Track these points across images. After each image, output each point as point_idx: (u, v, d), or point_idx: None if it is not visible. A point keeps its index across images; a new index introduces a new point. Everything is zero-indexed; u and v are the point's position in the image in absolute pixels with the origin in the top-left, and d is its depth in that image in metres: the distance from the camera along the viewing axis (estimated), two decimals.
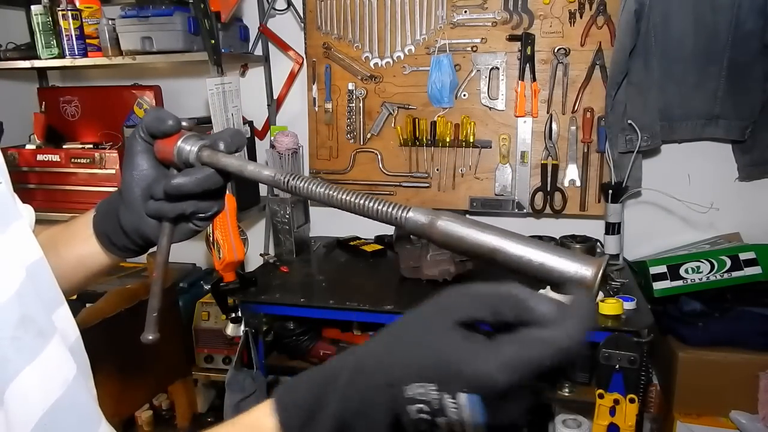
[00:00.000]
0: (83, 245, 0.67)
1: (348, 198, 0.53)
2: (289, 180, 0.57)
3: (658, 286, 1.78)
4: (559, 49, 1.98)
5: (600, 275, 0.42)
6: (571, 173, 2.05)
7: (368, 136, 2.21)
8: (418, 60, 2.11)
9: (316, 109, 2.25)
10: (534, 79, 2.01)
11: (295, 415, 0.42)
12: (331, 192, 0.54)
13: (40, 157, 2.24)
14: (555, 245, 0.47)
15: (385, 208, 0.52)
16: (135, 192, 0.61)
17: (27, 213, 0.61)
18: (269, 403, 0.44)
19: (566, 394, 1.69)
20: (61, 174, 2.23)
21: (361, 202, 0.52)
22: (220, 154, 0.59)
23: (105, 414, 0.58)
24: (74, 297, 1.39)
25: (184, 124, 0.60)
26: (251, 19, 2.23)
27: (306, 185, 0.56)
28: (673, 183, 1.97)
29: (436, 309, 0.41)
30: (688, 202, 1.93)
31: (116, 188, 0.65)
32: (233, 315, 1.77)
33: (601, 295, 1.66)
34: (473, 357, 0.37)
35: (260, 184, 2.30)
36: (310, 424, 0.41)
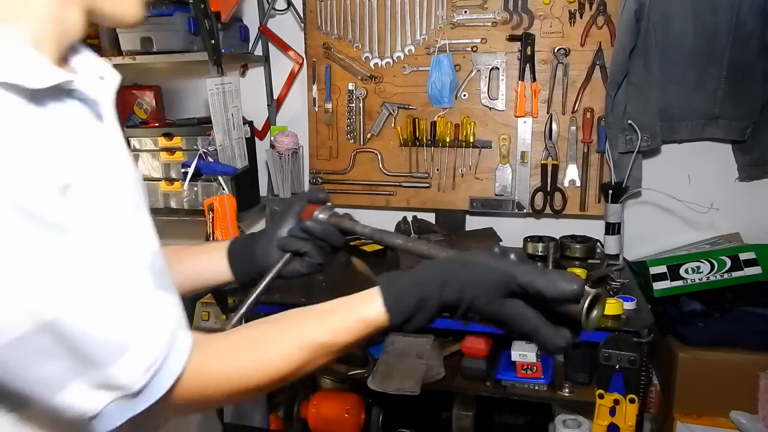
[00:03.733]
0: (211, 261, 0.85)
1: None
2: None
3: (658, 286, 1.78)
4: (559, 49, 1.98)
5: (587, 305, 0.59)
6: (571, 173, 2.05)
7: (368, 136, 2.21)
8: (418, 60, 2.11)
9: (316, 109, 2.25)
10: (534, 79, 2.01)
11: (401, 317, 0.62)
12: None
13: None
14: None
15: None
16: (281, 230, 0.84)
17: None
18: (380, 302, 0.63)
19: (566, 394, 1.69)
20: None
21: None
22: (344, 218, 0.82)
23: None
24: None
25: (321, 196, 0.85)
26: (251, 19, 2.23)
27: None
28: (673, 183, 1.97)
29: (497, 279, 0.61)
30: (688, 202, 1.93)
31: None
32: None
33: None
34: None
35: (259, 184, 2.31)
36: (407, 323, 0.63)
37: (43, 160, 0.50)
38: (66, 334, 0.50)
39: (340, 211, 0.87)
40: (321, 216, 0.82)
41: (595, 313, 0.60)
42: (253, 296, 0.80)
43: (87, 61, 0.64)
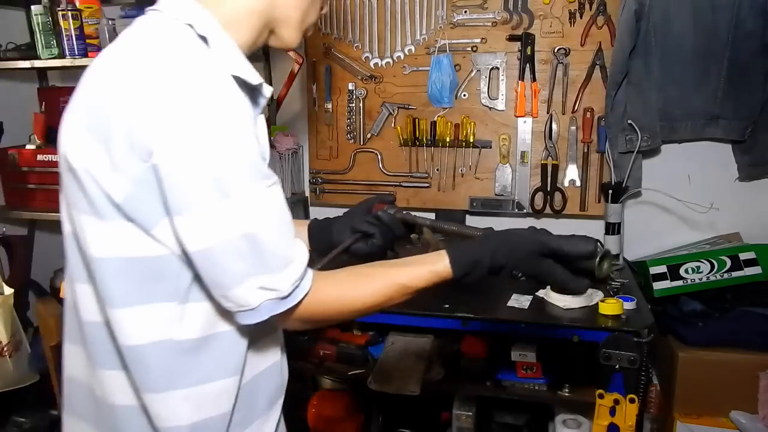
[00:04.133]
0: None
1: None
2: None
3: (658, 286, 1.78)
4: (559, 49, 1.98)
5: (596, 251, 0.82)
6: (571, 173, 2.05)
7: (368, 136, 2.21)
8: (418, 60, 2.11)
9: (316, 109, 2.25)
10: (534, 79, 2.01)
11: (461, 272, 0.83)
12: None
13: (40, 157, 2.23)
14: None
15: None
16: (355, 217, 1.04)
17: None
18: (447, 260, 0.83)
19: (566, 394, 1.69)
20: None
21: None
22: (407, 214, 1.04)
23: None
24: None
25: (390, 198, 1.06)
26: None
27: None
28: (673, 183, 1.97)
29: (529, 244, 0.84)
30: (688, 202, 1.93)
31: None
32: None
33: (600, 294, 1.66)
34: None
35: None
36: (465, 276, 0.83)
37: (253, 127, 0.73)
38: (258, 244, 0.70)
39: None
40: (389, 210, 1.02)
41: (606, 265, 0.82)
42: (324, 260, 0.95)
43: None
